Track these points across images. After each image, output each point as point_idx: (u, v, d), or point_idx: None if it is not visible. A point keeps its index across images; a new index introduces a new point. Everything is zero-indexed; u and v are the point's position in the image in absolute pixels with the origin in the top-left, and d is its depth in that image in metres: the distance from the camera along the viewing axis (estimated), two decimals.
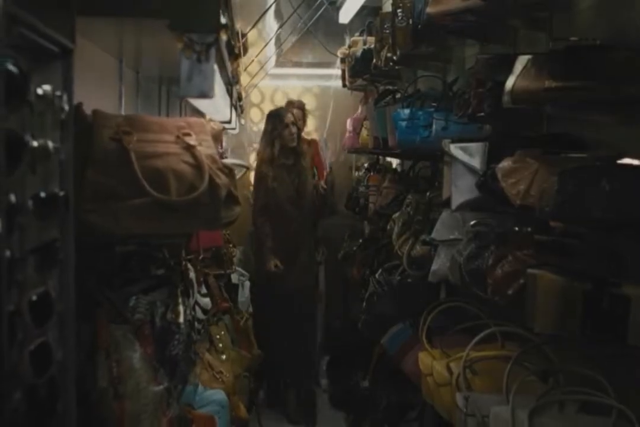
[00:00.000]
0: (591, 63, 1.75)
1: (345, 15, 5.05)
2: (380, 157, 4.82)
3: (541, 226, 1.95)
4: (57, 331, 1.19)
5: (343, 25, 5.38)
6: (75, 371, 1.25)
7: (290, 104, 5.17)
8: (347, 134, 4.79)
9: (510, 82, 1.90)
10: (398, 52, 2.97)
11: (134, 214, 1.45)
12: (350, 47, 4.61)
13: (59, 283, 1.21)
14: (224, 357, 2.73)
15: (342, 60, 4.82)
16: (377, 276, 3.60)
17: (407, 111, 3.04)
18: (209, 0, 1.41)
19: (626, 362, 1.76)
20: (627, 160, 1.81)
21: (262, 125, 5.60)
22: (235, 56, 2.34)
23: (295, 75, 5.99)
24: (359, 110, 4.66)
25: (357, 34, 4.74)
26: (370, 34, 4.59)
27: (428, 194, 3.15)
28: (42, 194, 1.10)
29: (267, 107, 5.85)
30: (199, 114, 4.27)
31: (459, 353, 2.33)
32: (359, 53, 4.16)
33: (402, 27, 2.88)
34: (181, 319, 1.78)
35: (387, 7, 4.89)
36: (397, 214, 3.34)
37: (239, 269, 4.07)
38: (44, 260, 1.13)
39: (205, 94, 1.40)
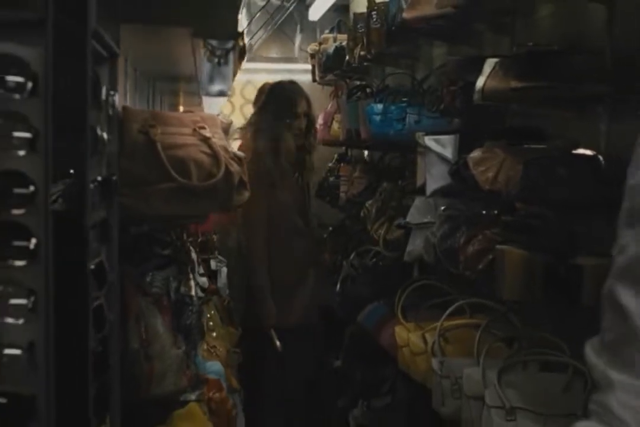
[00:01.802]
0: (551, 66, 2.02)
1: (315, 12, 5.26)
2: (350, 149, 5.05)
3: (507, 208, 2.21)
4: (107, 297, 1.40)
5: (313, 22, 5.60)
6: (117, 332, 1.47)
7: (295, 85, 3.69)
8: (318, 127, 5.00)
9: (480, 82, 2.15)
10: (373, 51, 3.21)
11: (161, 197, 1.67)
12: (320, 43, 4.82)
13: (108, 256, 1.42)
14: (214, 334, 2.94)
15: (312, 56, 5.03)
16: (350, 260, 3.85)
17: (380, 106, 3.27)
18: (227, 10, 1.63)
19: (580, 322, 2.03)
20: (581, 150, 2.08)
21: (234, 118, 5.79)
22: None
23: (265, 69, 6.19)
24: (330, 104, 4.88)
25: (327, 31, 4.97)
26: (340, 32, 4.83)
27: (400, 182, 3.41)
28: (100, 178, 1.32)
29: (238, 101, 6.04)
30: (174, 107, 4.49)
31: (432, 325, 2.59)
32: (330, 50, 4.38)
33: (376, 28, 3.12)
34: (193, 293, 2.00)
35: (355, 5, 5.13)
36: (370, 202, 3.59)
37: (219, 256, 4.28)
38: (100, 235, 1.34)
39: (225, 93, 1.63)
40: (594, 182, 1.88)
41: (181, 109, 4.60)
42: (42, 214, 1.07)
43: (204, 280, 2.62)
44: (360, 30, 3.48)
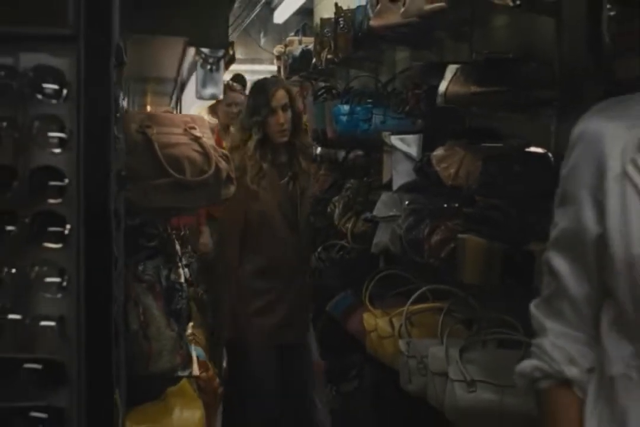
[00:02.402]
0: (506, 72, 2.24)
1: (281, 15, 5.45)
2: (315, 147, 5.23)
3: (467, 201, 2.43)
4: (117, 280, 1.57)
5: (277, 24, 5.78)
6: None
7: (274, 78, 3.66)
8: None
9: (443, 87, 2.36)
10: (340, 55, 3.41)
11: (158, 191, 1.83)
12: (286, 46, 5.01)
13: (117, 243, 1.59)
14: (191, 323, 3.11)
15: (278, 58, 5.22)
16: (318, 254, 4.04)
17: (346, 107, 3.47)
18: (219, 22, 1.80)
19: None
20: (533, 149, 2.30)
21: None
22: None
23: (230, 70, 6.34)
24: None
25: (292, 33, 5.15)
26: (305, 35, 5.03)
27: (366, 179, 3.61)
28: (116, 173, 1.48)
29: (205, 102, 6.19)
30: (142, 107, 4.63)
31: (398, 310, 2.80)
32: (297, 52, 4.56)
33: (343, 33, 3.32)
34: (182, 280, 2.17)
35: (320, 9, 5.33)
36: (337, 198, 3.78)
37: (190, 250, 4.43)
38: (115, 224, 1.51)
39: (216, 97, 1.81)
40: (545, 176, 2.10)
41: (148, 109, 4.73)
42: (74, 204, 1.24)
43: (186, 270, 2.79)
44: (327, 35, 3.67)
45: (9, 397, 1.25)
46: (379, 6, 2.76)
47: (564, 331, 1.19)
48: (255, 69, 6.26)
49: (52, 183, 1.23)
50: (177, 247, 2.57)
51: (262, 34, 6.04)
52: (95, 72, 1.24)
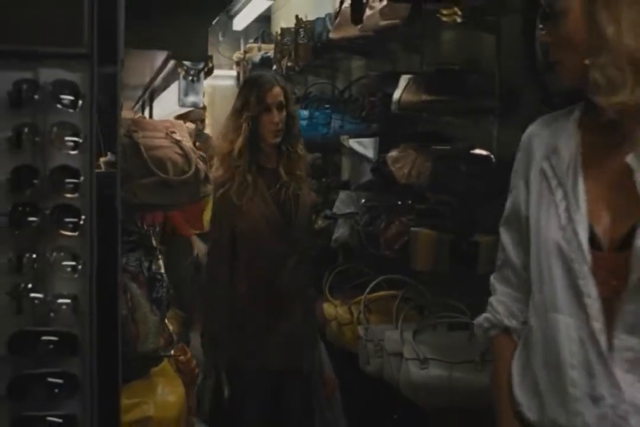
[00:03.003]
0: (453, 83, 2.51)
1: (240, 23, 5.66)
2: None
3: (419, 198, 2.69)
4: None
5: (236, 31, 5.99)
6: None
7: (268, 73, 3.01)
8: None
9: (397, 95, 2.62)
10: (300, 64, 3.64)
11: (145, 189, 2.04)
12: (246, 52, 5.22)
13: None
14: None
15: (237, 63, 5.43)
16: None
17: (306, 112, 3.71)
18: (199, 37, 2.02)
19: (478, 289, 2.52)
20: (477, 151, 2.57)
21: None
22: None
23: None
24: None
25: (252, 40, 5.37)
26: (263, 41, 5.25)
27: (324, 179, 3.85)
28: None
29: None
30: None
31: (357, 299, 3.04)
32: (256, 58, 4.78)
33: (303, 43, 3.56)
34: (162, 270, 2.37)
35: (277, 17, 5.56)
36: None
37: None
38: None
39: (197, 105, 2.02)
40: (487, 175, 2.37)
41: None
42: (87, 199, 1.45)
43: (160, 263, 2.98)
44: (287, 44, 3.90)
45: (29, 365, 1.45)
46: (338, 20, 3.01)
47: (508, 292, 1.49)
48: (214, 74, 6.45)
49: (68, 180, 1.43)
50: (154, 242, 2.77)
51: (220, 40, 6.23)
52: (104, 85, 1.45)
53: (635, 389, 1.19)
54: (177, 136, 2.16)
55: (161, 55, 2.24)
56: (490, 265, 2.36)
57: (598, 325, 1.24)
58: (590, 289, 1.26)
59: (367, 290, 2.94)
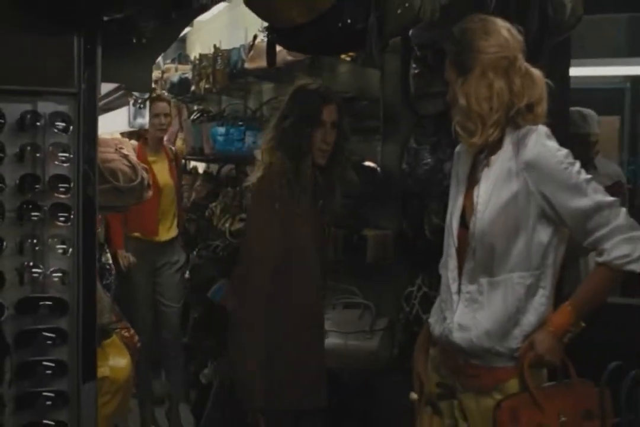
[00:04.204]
0: (347, 107, 3.11)
1: None
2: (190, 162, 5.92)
3: None
4: None
5: None
6: None
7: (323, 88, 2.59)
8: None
9: None
10: (217, 86, 4.19)
11: (102, 194, 2.54)
12: (163, 72, 5.69)
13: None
14: None
15: (155, 82, 5.88)
16: (197, 251, 4.78)
17: (222, 129, 4.24)
18: (145, 72, 2.53)
19: (367, 274, 3.14)
20: (366, 162, 3.19)
21: None
22: None
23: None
24: (172, 124, 5.74)
25: (169, 61, 5.85)
26: (180, 62, 5.74)
27: (238, 188, 4.39)
28: None
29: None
30: None
31: None
32: (174, 78, 5.24)
33: (220, 69, 4.10)
34: (110, 262, 2.86)
35: (192, 40, 6.07)
36: (214, 204, 4.53)
37: None
38: None
39: (143, 126, 2.54)
40: (374, 182, 2.99)
41: None
42: (76, 199, 1.96)
43: (108, 255, 3.45)
44: (205, 68, 4.43)
45: (31, 323, 1.95)
46: (252, 53, 3.58)
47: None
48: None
49: (62, 185, 1.94)
50: (101, 239, 3.25)
51: None
52: (87, 116, 1.97)
53: (462, 315, 1.81)
54: (124, 151, 2.68)
55: (110, 85, 2.74)
56: (377, 254, 3.00)
57: (452, 275, 1.85)
58: (452, 253, 1.87)
59: None
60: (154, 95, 4.04)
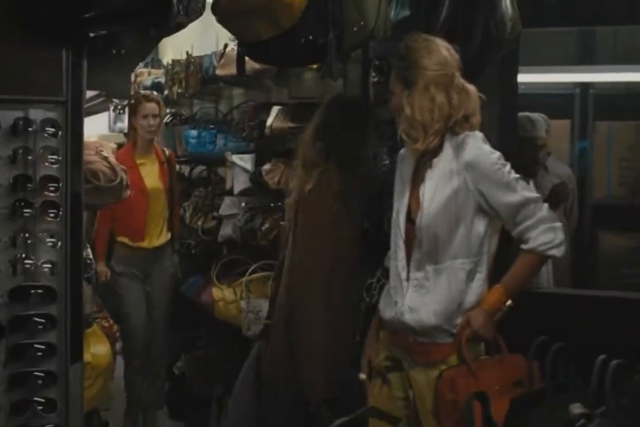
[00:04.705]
0: (312, 113, 3.35)
1: None
2: None
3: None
4: None
5: None
6: None
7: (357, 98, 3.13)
8: None
9: (269, 121, 3.44)
10: (190, 91, 4.40)
11: (85, 193, 2.73)
12: (136, 76, 5.87)
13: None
14: None
15: None
16: None
17: (195, 132, 4.45)
18: (125, 80, 2.75)
19: None
20: None
21: None
22: None
23: None
24: None
25: (142, 65, 6.03)
26: (153, 67, 5.93)
27: (209, 187, 4.61)
28: None
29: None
30: None
31: (239, 281, 3.82)
32: (147, 82, 5.44)
33: (193, 75, 4.32)
34: (91, 256, 3.06)
35: (165, 45, 6.23)
36: (187, 203, 4.74)
37: None
38: None
39: (122, 130, 2.76)
40: None
41: None
42: (64, 197, 2.17)
43: (88, 251, 3.61)
44: (177, 73, 4.63)
45: (23, 309, 2.15)
46: (223, 60, 3.80)
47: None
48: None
49: (51, 185, 2.15)
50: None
51: None
52: (74, 122, 2.18)
53: (412, 299, 2.05)
54: (104, 153, 2.89)
55: (91, 92, 2.94)
56: None
57: (401, 264, 2.10)
58: (400, 244, 2.11)
59: (247, 274, 3.73)
60: (141, 94, 3.98)
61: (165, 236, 4.16)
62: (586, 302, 3.12)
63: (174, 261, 4.28)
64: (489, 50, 2.65)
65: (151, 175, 4.08)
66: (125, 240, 4.07)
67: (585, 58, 4.86)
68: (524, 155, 3.48)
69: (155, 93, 4.22)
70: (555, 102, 4.89)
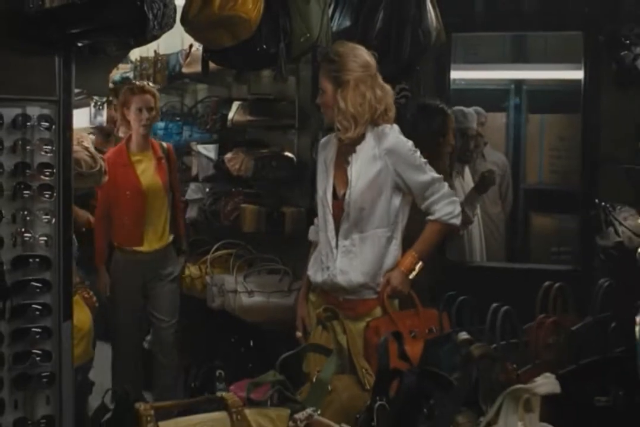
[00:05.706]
0: (269, 107, 3.79)
1: None
2: None
3: (246, 186, 3.96)
4: None
5: None
6: None
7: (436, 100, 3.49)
8: None
9: (231, 115, 3.87)
10: (157, 86, 4.79)
11: None
12: None
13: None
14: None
15: None
16: None
17: (162, 124, 4.85)
18: (104, 78, 3.14)
19: (285, 244, 3.82)
20: (285, 153, 3.87)
21: None
22: None
23: None
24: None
25: None
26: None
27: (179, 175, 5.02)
28: None
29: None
30: None
31: (203, 259, 4.24)
32: (116, 77, 5.79)
33: (160, 71, 4.71)
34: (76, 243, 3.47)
35: None
36: None
37: None
38: None
39: (102, 123, 3.16)
40: (290, 169, 3.68)
41: None
42: (57, 181, 2.57)
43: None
44: (146, 70, 5.01)
45: (22, 275, 2.55)
46: (188, 59, 4.21)
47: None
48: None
49: (46, 170, 2.55)
50: None
51: None
52: (65, 118, 2.59)
53: (342, 263, 2.51)
54: (85, 144, 3.29)
55: None
56: (293, 228, 3.69)
57: (331, 235, 2.55)
58: (328, 218, 2.56)
59: (211, 252, 4.15)
60: (135, 84, 3.82)
61: (167, 238, 3.93)
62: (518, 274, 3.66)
63: (176, 265, 4.06)
64: (417, 55, 3.13)
65: (148, 172, 3.84)
66: (123, 244, 3.86)
67: (520, 57, 5.36)
68: (458, 143, 3.99)
69: (151, 84, 4.01)
70: (492, 96, 5.40)
